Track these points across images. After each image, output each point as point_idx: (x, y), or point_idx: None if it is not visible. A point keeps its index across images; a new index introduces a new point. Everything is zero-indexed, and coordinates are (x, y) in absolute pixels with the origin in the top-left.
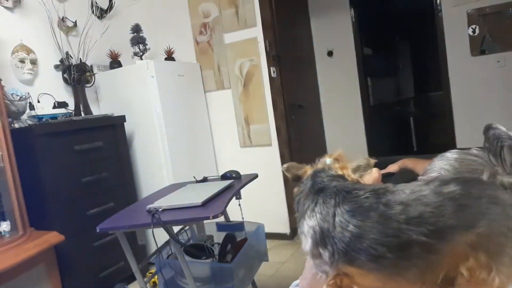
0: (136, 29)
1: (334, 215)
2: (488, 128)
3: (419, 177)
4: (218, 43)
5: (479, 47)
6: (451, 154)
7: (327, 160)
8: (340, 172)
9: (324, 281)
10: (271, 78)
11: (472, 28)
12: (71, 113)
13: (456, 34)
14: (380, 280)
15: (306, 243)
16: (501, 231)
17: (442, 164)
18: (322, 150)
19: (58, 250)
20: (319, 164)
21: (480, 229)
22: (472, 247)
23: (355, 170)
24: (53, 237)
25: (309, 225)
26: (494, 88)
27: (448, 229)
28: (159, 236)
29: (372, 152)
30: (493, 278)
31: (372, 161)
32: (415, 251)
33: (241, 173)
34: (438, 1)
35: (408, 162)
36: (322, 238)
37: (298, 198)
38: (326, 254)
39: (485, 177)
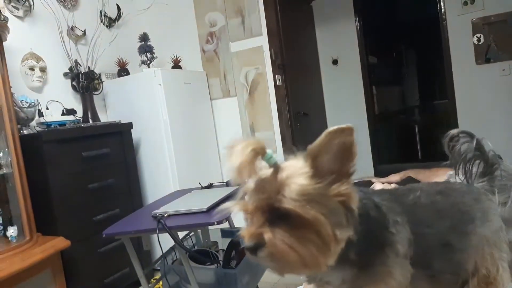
0: (144, 38)
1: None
2: None
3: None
4: (224, 51)
5: (484, 55)
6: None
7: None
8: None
9: None
10: (276, 86)
11: (477, 36)
12: (79, 120)
13: (461, 42)
14: None
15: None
16: (499, 227)
17: None
18: None
19: (64, 255)
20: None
21: (492, 224)
22: (488, 243)
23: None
24: (60, 243)
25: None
26: (499, 97)
27: (475, 219)
28: (164, 242)
29: (377, 160)
30: (501, 276)
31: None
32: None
33: None
34: (443, 10)
35: (410, 173)
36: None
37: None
38: None
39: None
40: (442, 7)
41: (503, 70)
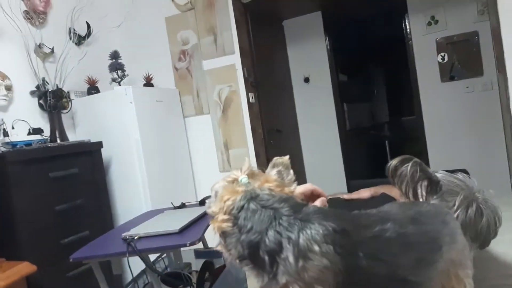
0: (114, 55)
1: None
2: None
3: None
4: (197, 69)
5: (448, 73)
6: (439, 175)
7: (242, 179)
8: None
9: None
10: (249, 104)
11: (441, 55)
12: (47, 139)
13: (426, 61)
14: None
15: None
16: (463, 246)
17: None
18: (300, 174)
19: (30, 281)
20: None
21: (458, 245)
22: (453, 264)
23: (280, 182)
24: (25, 268)
25: None
26: (463, 113)
27: (443, 245)
28: (135, 265)
29: (349, 175)
30: None
31: (286, 159)
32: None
33: None
34: (408, 30)
35: (382, 189)
36: None
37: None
38: None
39: (457, 201)
40: (408, 27)
41: (467, 87)
